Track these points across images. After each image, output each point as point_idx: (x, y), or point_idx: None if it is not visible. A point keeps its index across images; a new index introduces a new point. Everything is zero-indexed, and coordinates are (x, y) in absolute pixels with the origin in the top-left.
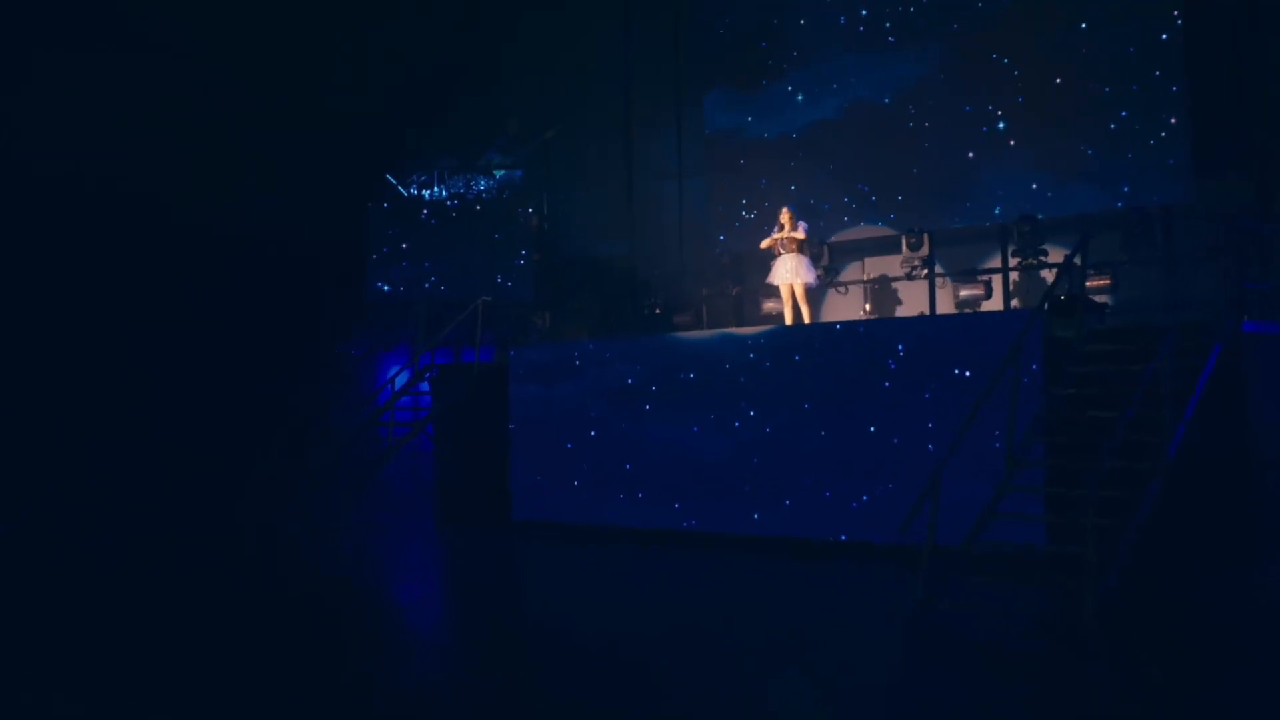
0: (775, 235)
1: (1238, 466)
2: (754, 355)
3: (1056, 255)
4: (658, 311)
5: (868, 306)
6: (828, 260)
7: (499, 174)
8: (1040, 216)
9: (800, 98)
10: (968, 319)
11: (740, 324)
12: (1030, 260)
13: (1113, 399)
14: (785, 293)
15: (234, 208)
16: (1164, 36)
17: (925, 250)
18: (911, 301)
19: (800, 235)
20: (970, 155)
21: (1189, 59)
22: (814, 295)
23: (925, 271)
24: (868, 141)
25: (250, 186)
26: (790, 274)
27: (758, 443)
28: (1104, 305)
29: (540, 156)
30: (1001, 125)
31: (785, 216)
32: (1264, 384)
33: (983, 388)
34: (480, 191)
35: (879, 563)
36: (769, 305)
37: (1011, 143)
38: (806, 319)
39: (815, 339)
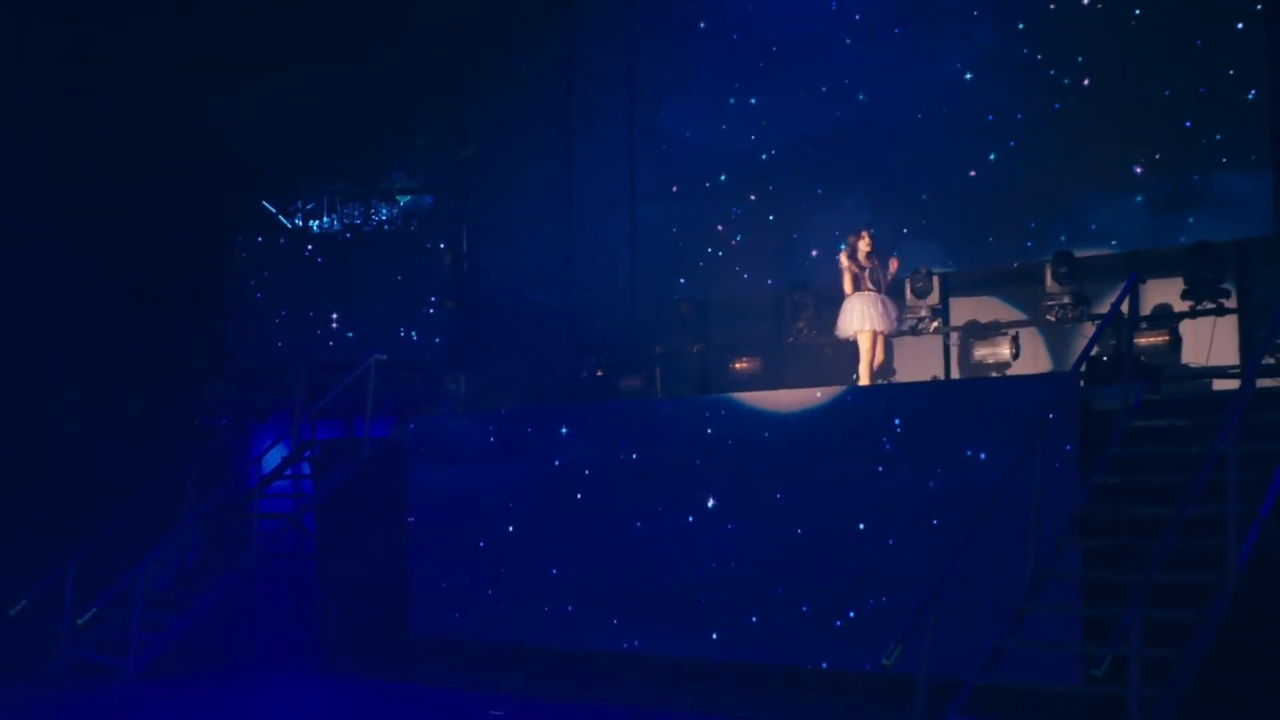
0: (851, 266)
1: None
2: (713, 431)
3: (1102, 305)
4: (599, 374)
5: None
6: (812, 310)
7: (404, 200)
8: (1077, 254)
9: (781, 107)
10: (983, 386)
11: (706, 390)
12: (1067, 311)
13: (1168, 491)
14: (866, 343)
15: (62, 249)
16: (1239, 26)
17: (935, 297)
18: (917, 363)
19: (893, 269)
20: (994, 177)
21: (1273, 55)
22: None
23: (935, 324)
24: (866, 160)
25: (85, 218)
26: (877, 319)
27: (717, 543)
28: (1158, 369)
29: (457, 179)
30: (1032, 140)
31: (866, 243)
32: None
33: (1001, 475)
34: (381, 222)
35: (869, 697)
36: (742, 365)
37: (1046, 162)
38: (865, 378)
39: (790, 412)
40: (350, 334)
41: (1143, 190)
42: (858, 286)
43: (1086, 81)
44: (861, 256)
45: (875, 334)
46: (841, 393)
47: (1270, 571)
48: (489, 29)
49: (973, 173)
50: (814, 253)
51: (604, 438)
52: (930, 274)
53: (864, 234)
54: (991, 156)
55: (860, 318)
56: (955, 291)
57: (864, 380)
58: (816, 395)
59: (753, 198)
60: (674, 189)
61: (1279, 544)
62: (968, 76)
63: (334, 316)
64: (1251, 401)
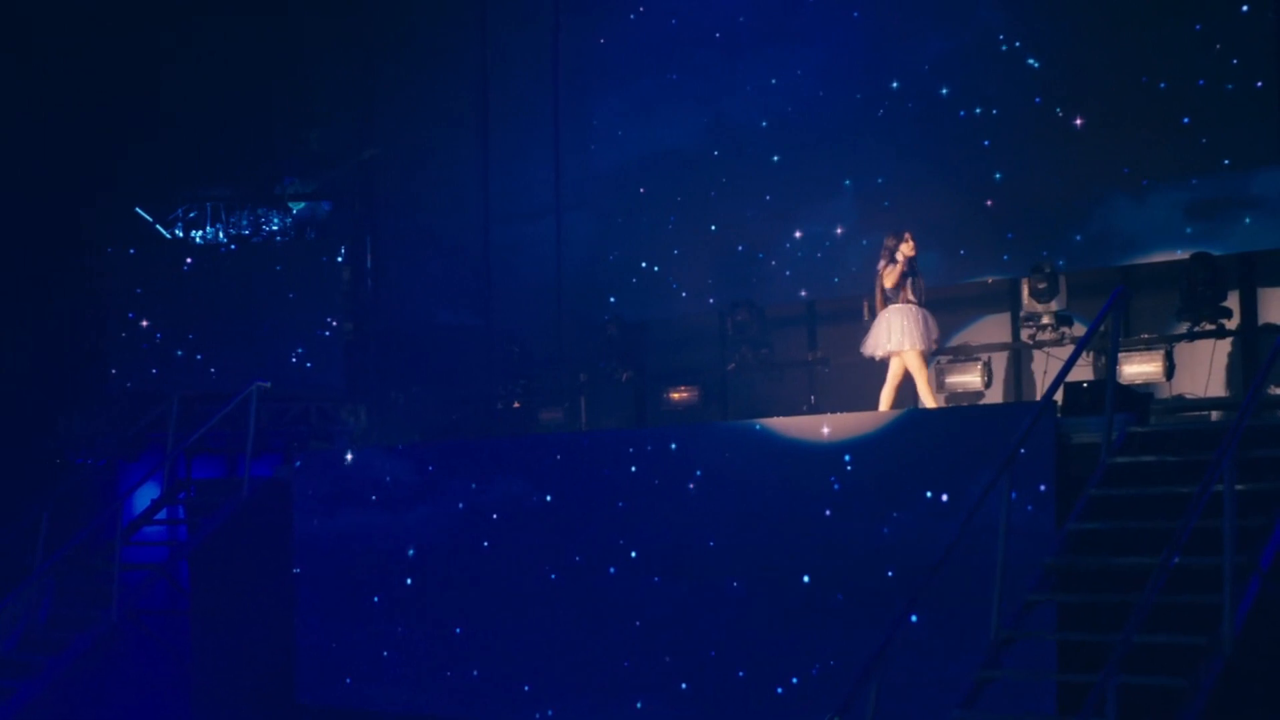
0: (890, 274)
1: None
2: (638, 469)
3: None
4: (517, 406)
5: (813, 398)
6: (756, 332)
7: (297, 207)
8: (1060, 265)
9: (726, 102)
10: (944, 417)
11: (640, 423)
12: (1048, 331)
13: (1155, 537)
14: (896, 367)
15: None
16: (1244, 9)
17: None
18: (877, 391)
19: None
20: (966, 182)
21: None
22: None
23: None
24: (821, 162)
25: None
26: (917, 336)
27: (642, 597)
28: (1147, 397)
29: (358, 184)
30: (1010, 140)
31: (910, 246)
32: None
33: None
34: (272, 232)
35: None
36: (678, 395)
37: (1025, 165)
38: (930, 400)
39: (725, 447)
40: (234, 359)
41: (1134, 195)
42: (893, 298)
43: (1073, 74)
44: (903, 262)
45: (914, 354)
46: (782, 425)
47: (1271, 632)
48: (400, 14)
49: (942, 177)
50: (772, 262)
51: (515, 477)
52: None
53: (906, 235)
54: (963, 159)
55: (898, 334)
56: (932, 311)
57: (885, 407)
58: (755, 428)
59: (692, 205)
60: (604, 196)
61: None
62: (932, 68)
63: (216, 339)
64: (1250, 435)
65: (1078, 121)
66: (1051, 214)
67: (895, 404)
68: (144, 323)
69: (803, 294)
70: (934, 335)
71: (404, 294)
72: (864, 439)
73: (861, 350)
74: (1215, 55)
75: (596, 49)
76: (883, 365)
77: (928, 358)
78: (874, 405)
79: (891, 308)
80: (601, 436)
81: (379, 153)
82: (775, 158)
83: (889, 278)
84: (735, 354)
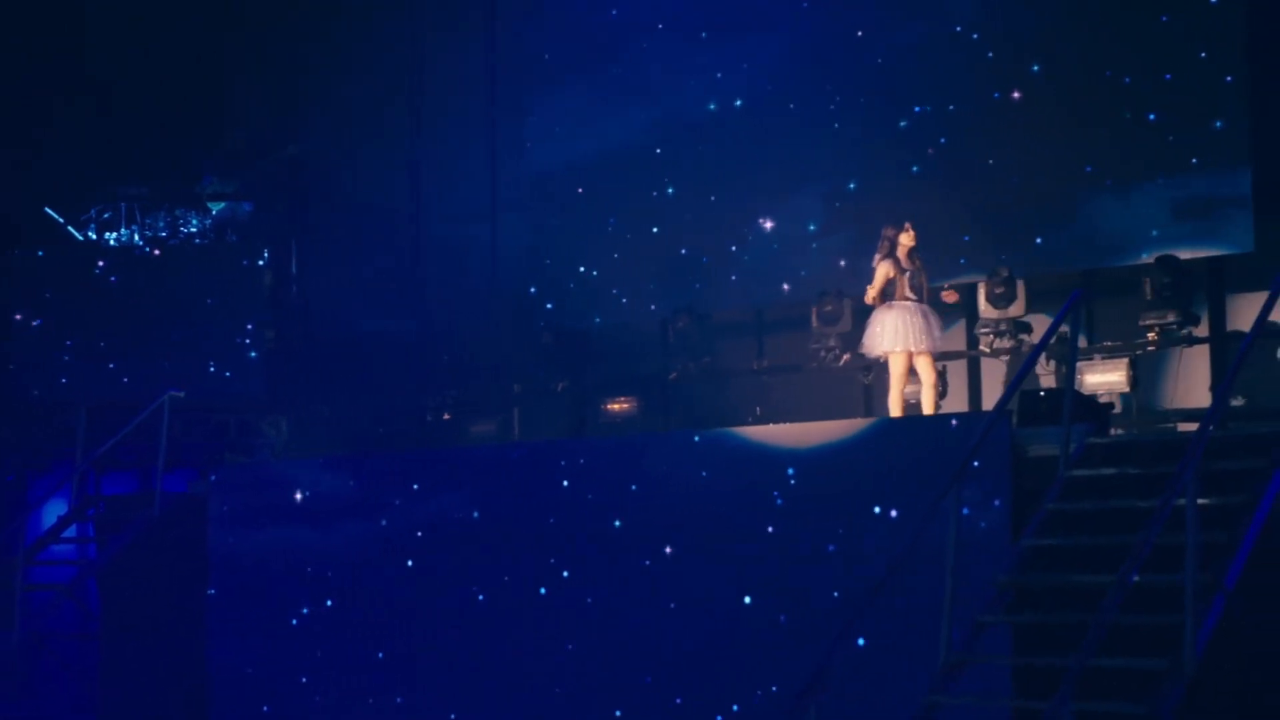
0: (889, 268)
1: None
2: (570, 483)
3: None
4: (447, 418)
5: (759, 409)
6: (698, 339)
7: (216, 208)
8: (1009, 272)
9: (671, 97)
10: (894, 428)
11: (577, 435)
12: (1006, 339)
13: (1116, 554)
14: (901, 367)
15: None
16: (1213, 0)
17: (847, 323)
18: (827, 401)
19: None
20: (922, 181)
21: (1255, 34)
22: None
23: (845, 357)
24: (769, 160)
25: None
26: (917, 335)
27: (575, 619)
28: (1108, 407)
29: (282, 183)
30: (969, 136)
31: (910, 237)
32: None
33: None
34: (191, 234)
35: None
36: (617, 407)
37: (984, 163)
38: (930, 406)
39: (662, 460)
40: (148, 367)
41: (1098, 196)
42: (892, 295)
43: (1035, 67)
44: (903, 255)
45: (912, 354)
46: (721, 434)
47: (1236, 654)
48: (328, 3)
49: (895, 177)
50: (718, 267)
51: (440, 492)
52: (842, 297)
53: (906, 226)
54: (918, 159)
55: (896, 333)
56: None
57: (895, 412)
58: (694, 439)
59: (633, 206)
60: (540, 197)
61: (1249, 622)
62: (886, 61)
63: (129, 346)
64: (1216, 447)
65: (1015, 95)
66: (1010, 215)
67: (859, 412)
68: (52, 329)
69: (749, 300)
70: (937, 334)
71: (330, 300)
72: (808, 451)
73: (861, 349)
74: (1183, 48)
75: (533, 43)
76: (829, 375)
77: (935, 354)
78: (822, 416)
79: (890, 305)
80: (532, 449)
81: (304, 150)
82: (721, 157)
83: (885, 271)
84: (677, 363)
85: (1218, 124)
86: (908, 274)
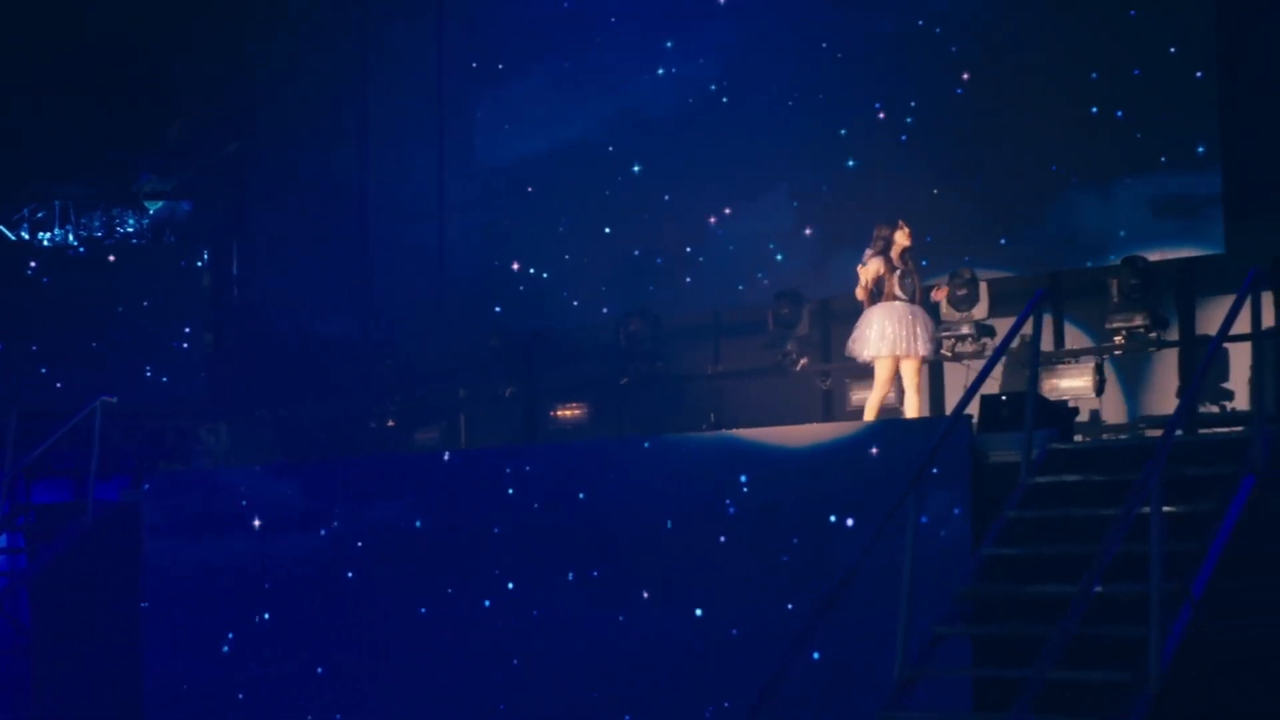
0: (879, 267)
1: None
2: (516, 491)
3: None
4: (391, 424)
5: (713, 415)
6: (651, 344)
7: (154, 207)
8: (980, 274)
9: (621, 93)
10: (849, 435)
11: (525, 442)
12: (968, 343)
13: (1079, 563)
14: (887, 372)
15: None
16: None
17: (805, 326)
18: (784, 407)
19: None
20: (880, 178)
21: (1225, 27)
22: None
23: (802, 361)
24: (722, 157)
25: None
26: (907, 340)
27: (519, 634)
28: (1072, 412)
29: (222, 182)
30: (929, 132)
31: (905, 236)
32: None
33: (873, 546)
34: (128, 234)
35: None
36: (566, 413)
37: (944, 160)
38: (914, 410)
39: (610, 467)
40: (83, 372)
41: (1064, 195)
42: (881, 295)
43: (999, 62)
44: (896, 255)
45: (899, 360)
46: (672, 439)
47: (1203, 667)
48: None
49: (855, 175)
50: (672, 268)
51: (381, 501)
52: (800, 300)
53: (901, 225)
54: (878, 157)
55: (884, 337)
56: (838, 320)
57: (870, 416)
58: (644, 445)
59: (585, 206)
60: (490, 196)
61: (1217, 634)
62: (846, 56)
63: (63, 350)
64: (1183, 452)
65: (964, 76)
66: (973, 215)
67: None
68: None
69: (704, 303)
70: (927, 339)
71: (272, 303)
72: (762, 458)
73: (847, 351)
74: (1151, 43)
75: (482, 37)
76: (786, 380)
77: (927, 362)
78: (779, 422)
79: (879, 306)
80: (476, 455)
81: (246, 147)
82: (676, 155)
83: (869, 272)
84: (629, 367)
85: (1187, 121)
86: (898, 273)
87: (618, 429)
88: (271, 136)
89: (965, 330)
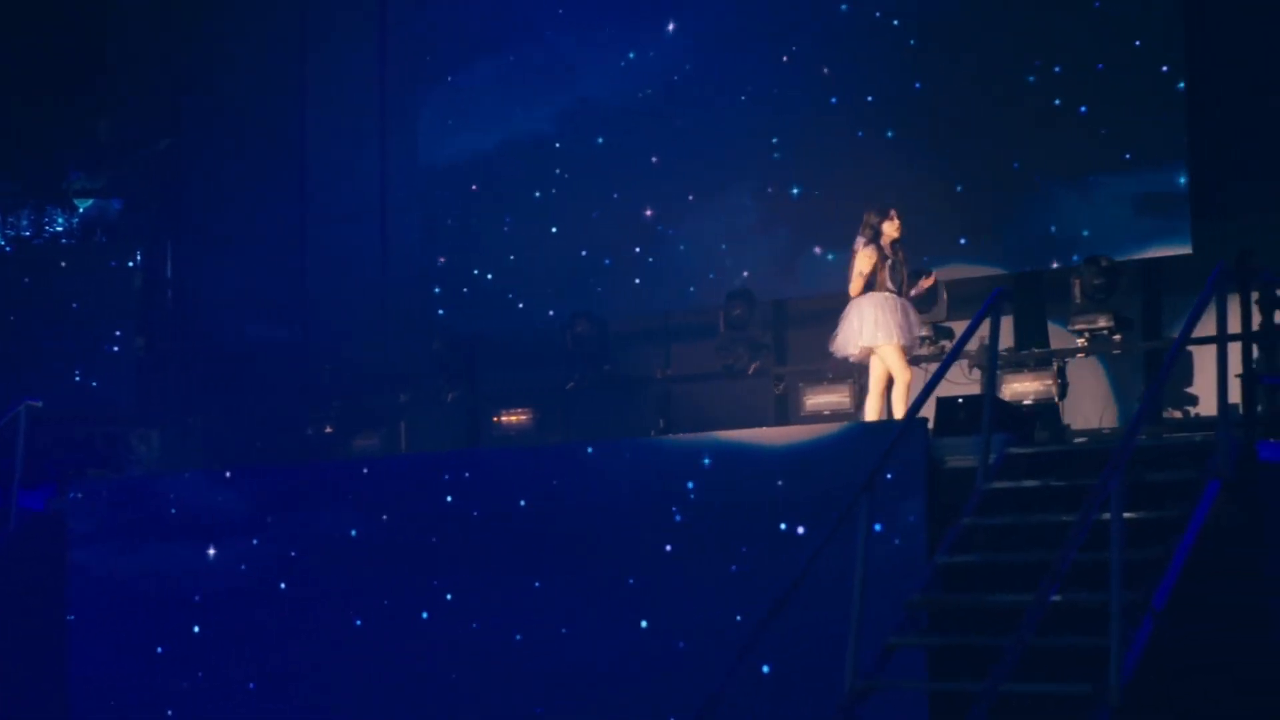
0: (873, 255)
1: (1253, 691)
2: (455, 498)
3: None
4: (329, 431)
5: (662, 421)
6: (596, 346)
7: (84, 206)
8: (940, 274)
9: (571, 85)
10: (801, 438)
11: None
12: (926, 345)
13: (1036, 571)
14: (878, 370)
15: None
16: None
17: (756, 329)
18: (736, 411)
19: (923, 286)
20: (837, 178)
21: (1193, 21)
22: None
23: (754, 365)
24: (677, 152)
25: None
26: (895, 329)
27: (459, 646)
28: (1031, 414)
29: (156, 180)
30: (890, 134)
31: (895, 226)
32: None
33: (829, 555)
34: (56, 234)
35: None
36: (510, 418)
37: (904, 158)
38: (902, 405)
39: (553, 474)
40: (8, 376)
41: (1026, 193)
42: (874, 285)
43: (959, 56)
44: (886, 244)
45: (892, 349)
46: (615, 443)
47: (1164, 679)
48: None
49: (811, 171)
50: (620, 269)
51: (315, 508)
52: (752, 300)
53: (892, 214)
54: (833, 154)
55: (878, 324)
56: (793, 324)
57: (872, 416)
58: (587, 451)
59: (530, 204)
60: (432, 194)
61: (1180, 644)
62: (802, 49)
63: None
64: (1147, 456)
65: (923, 70)
66: (932, 214)
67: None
68: None
69: (654, 305)
70: (916, 330)
71: (208, 305)
72: (709, 464)
73: (832, 349)
74: (1117, 37)
75: (426, 30)
76: (739, 384)
77: (910, 356)
78: (730, 427)
79: (867, 297)
80: (413, 461)
81: (180, 143)
82: (624, 152)
83: (865, 260)
84: (575, 371)
85: (1152, 118)
86: (889, 263)
87: (564, 435)
88: (206, 132)
89: (923, 332)
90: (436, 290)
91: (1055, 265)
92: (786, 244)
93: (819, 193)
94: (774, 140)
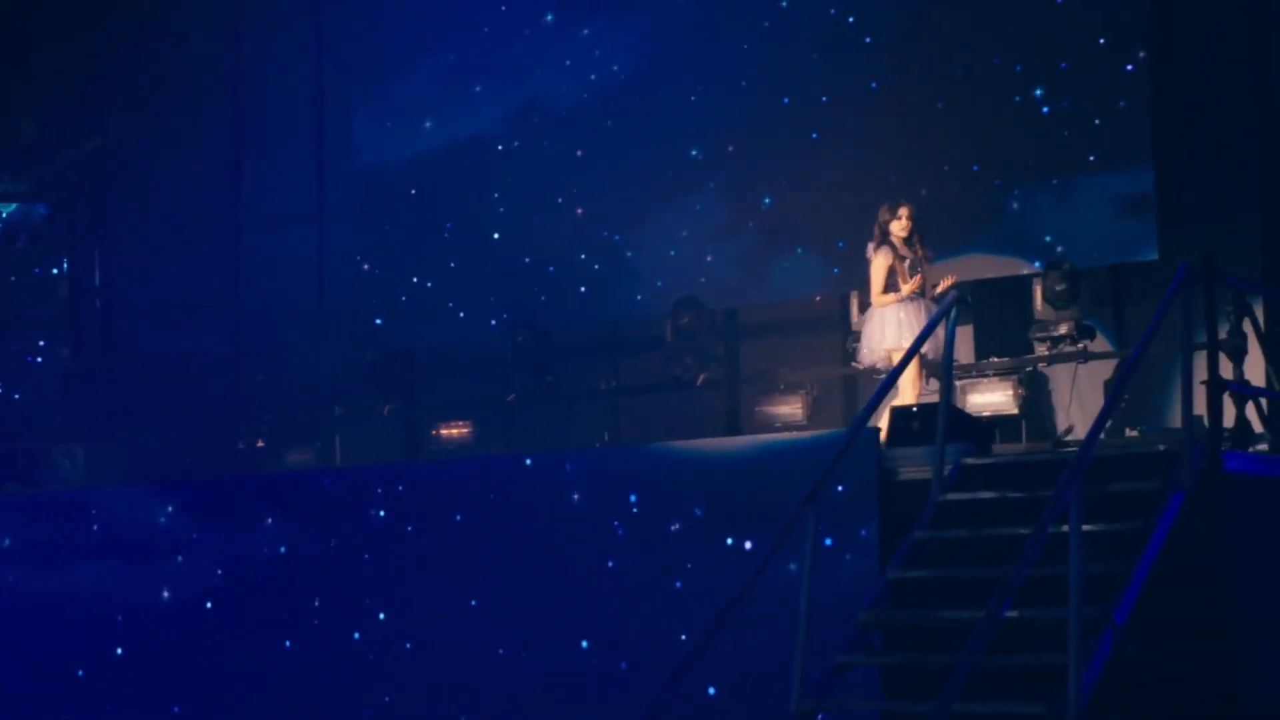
0: (888, 257)
1: (1216, 706)
2: (387, 514)
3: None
4: (261, 445)
5: (606, 434)
6: (542, 356)
7: (6, 210)
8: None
9: (514, 85)
10: (749, 452)
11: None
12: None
13: (992, 586)
14: (910, 372)
15: None
16: None
17: (705, 339)
18: (687, 425)
19: (942, 287)
20: (791, 182)
21: (1160, 17)
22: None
23: (703, 376)
24: (616, 155)
25: None
26: (915, 332)
27: (392, 668)
28: (989, 423)
29: (81, 183)
30: (841, 131)
31: (903, 224)
32: (1260, 562)
33: (781, 573)
34: None
35: None
36: (450, 432)
37: (859, 160)
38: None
39: (490, 487)
40: None
41: (984, 197)
42: (895, 286)
43: (916, 54)
44: (897, 242)
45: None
46: (553, 456)
47: (1125, 699)
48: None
49: (766, 175)
50: (552, 275)
51: (243, 525)
52: (699, 307)
53: (901, 209)
54: (786, 156)
55: (901, 325)
56: (746, 334)
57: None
58: (526, 463)
59: (472, 209)
60: (369, 199)
61: (1142, 661)
62: (752, 48)
63: None
64: (1109, 468)
65: (878, 69)
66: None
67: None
68: None
69: (600, 314)
70: (940, 337)
71: (136, 314)
72: (653, 476)
73: (857, 362)
74: (1080, 33)
75: (363, 26)
76: (687, 395)
77: (930, 367)
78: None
79: (886, 300)
80: (344, 475)
81: (109, 145)
82: (569, 154)
83: (878, 267)
84: (517, 383)
85: (1117, 117)
86: (907, 261)
87: (506, 449)
88: (135, 134)
89: None
90: (373, 299)
91: (1014, 272)
92: (738, 251)
93: (772, 198)
94: (725, 143)
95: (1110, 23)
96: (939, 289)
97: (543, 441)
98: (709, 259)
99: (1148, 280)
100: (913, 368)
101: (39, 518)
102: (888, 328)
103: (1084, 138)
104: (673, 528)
